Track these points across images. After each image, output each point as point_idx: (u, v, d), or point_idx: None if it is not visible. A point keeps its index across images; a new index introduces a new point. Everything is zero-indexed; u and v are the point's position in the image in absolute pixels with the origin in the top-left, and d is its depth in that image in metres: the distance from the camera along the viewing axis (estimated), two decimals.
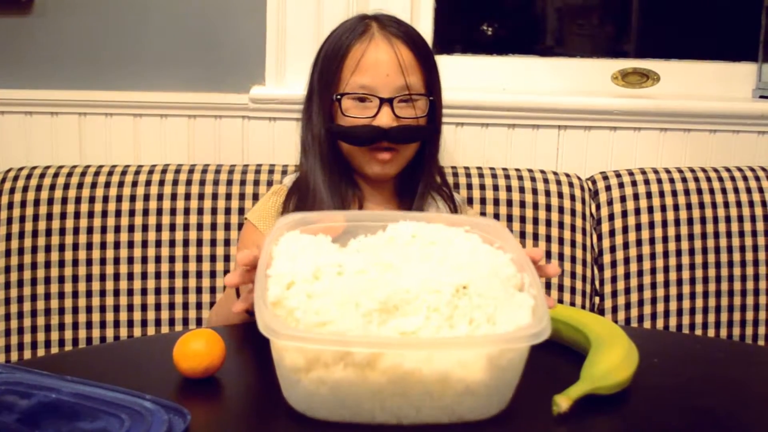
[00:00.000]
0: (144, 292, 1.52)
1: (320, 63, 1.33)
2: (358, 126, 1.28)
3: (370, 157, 1.30)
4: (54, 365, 0.90)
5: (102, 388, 0.81)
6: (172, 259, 1.53)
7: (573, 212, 1.60)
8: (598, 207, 1.62)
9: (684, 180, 1.63)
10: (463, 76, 1.83)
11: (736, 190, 1.63)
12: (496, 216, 1.58)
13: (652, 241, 1.59)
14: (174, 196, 1.54)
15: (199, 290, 1.53)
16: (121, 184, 1.55)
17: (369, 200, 1.36)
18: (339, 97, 1.29)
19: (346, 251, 0.87)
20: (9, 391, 0.80)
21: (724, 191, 1.63)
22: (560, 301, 1.57)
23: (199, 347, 0.87)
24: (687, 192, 1.62)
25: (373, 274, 0.81)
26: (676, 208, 1.61)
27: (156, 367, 0.93)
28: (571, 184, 1.62)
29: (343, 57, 1.29)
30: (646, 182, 1.62)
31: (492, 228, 0.92)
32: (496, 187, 1.59)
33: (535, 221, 1.58)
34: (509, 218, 1.58)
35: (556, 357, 0.97)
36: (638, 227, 1.60)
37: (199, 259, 1.53)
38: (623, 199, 1.61)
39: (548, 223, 1.59)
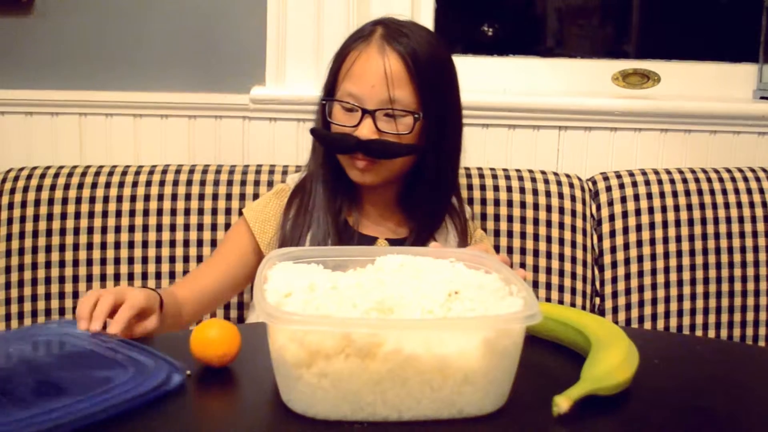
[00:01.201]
0: None
1: (330, 64, 1.33)
2: (336, 133, 1.28)
3: (348, 163, 1.29)
4: None
5: (134, 348, 0.91)
6: (172, 260, 1.53)
7: (573, 213, 1.60)
8: (598, 208, 1.62)
9: (684, 181, 1.63)
10: (464, 76, 1.81)
11: (736, 191, 1.63)
12: (497, 216, 1.58)
13: (652, 241, 1.59)
14: (174, 197, 1.54)
15: None
16: (121, 185, 1.55)
17: (367, 209, 1.35)
18: (325, 101, 1.29)
19: (339, 273, 0.91)
20: (57, 340, 0.95)
21: (724, 192, 1.63)
22: (560, 301, 1.57)
23: (215, 335, 0.90)
24: (687, 193, 1.62)
25: (367, 286, 0.84)
26: (676, 208, 1.61)
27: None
28: (571, 185, 1.62)
29: (340, 61, 1.29)
30: (647, 183, 1.62)
31: (478, 257, 0.96)
32: (496, 188, 1.59)
33: (536, 222, 1.58)
34: (509, 219, 1.58)
35: (556, 358, 0.98)
36: (638, 228, 1.60)
37: (199, 259, 1.53)
38: (624, 199, 1.61)
39: (548, 223, 1.58)
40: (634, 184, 1.62)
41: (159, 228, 1.53)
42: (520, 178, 1.61)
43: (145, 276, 1.52)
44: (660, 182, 1.63)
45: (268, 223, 1.35)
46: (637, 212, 1.60)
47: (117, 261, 1.52)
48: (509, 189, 1.59)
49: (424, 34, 1.30)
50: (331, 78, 1.31)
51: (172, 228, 1.53)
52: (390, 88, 1.23)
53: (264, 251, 1.32)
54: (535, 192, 1.59)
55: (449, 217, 1.38)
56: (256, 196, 1.53)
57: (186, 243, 1.53)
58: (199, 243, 1.53)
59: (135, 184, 1.55)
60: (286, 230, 1.32)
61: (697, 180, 1.64)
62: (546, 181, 1.61)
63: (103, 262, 1.52)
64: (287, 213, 1.34)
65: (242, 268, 1.34)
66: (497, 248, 1.56)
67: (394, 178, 1.32)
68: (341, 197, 1.33)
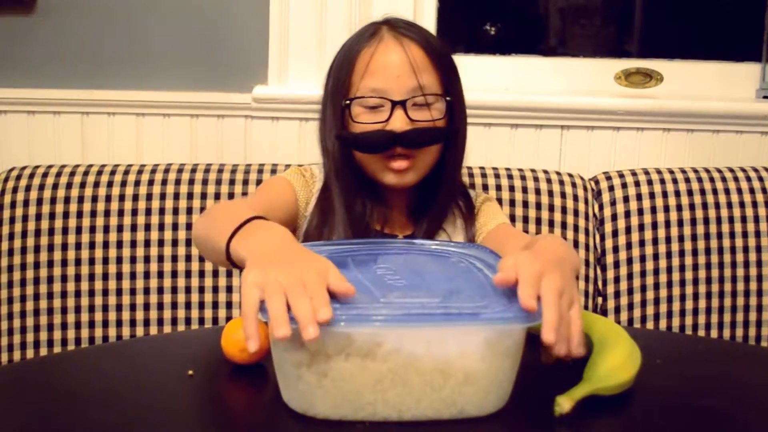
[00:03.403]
0: (146, 291, 1.52)
1: (332, 72, 1.27)
2: (369, 132, 1.19)
3: (384, 166, 1.21)
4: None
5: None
6: (174, 259, 1.53)
7: (576, 212, 1.59)
8: (600, 207, 1.62)
9: (687, 180, 1.63)
10: (466, 76, 1.81)
11: (739, 191, 1.63)
12: None
13: (655, 241, 1.59)
14: (176, 196, 1.54)
15: (201, 289, 1.53)
16: (123, 184, 1.55)
17: (392, 214, 1.28)
18: (348, 102, 1.21)
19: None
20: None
21: (727, 192, 1.63)
22: None
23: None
24: (690, 192, 1.62)
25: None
26: (679, 208, 1.60)
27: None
28: (574, 185, 1.61)
29: (352, 62, 1.23)
30: (649, 182, 1.62)
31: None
32: (498, 187, 1.59)
33: (538, 221, 1.58)
34: (512, 218, 1.58)
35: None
36: (641, 227, 1.59)
37: (201, 258, 1.53)
38: (626, 199, 1.60)
39: (551, 223, 1.58)
40: (637, 184, 1.62)
41: (161, 227, 1.53)
42: (523, 178, 1.61)
43: (147, 275, 1.52)
44: (663, 182, 1.62)
45: (305, 190, 1.28)
46: (640, 212, 1.60)
47: (119, 260, 1.52)
48: (512, 188, 1.59)
49: (420, 26, 1.29)
50: (342, 83, 1.23)
51: (174, 227, 1.53)
52: (417, 74, 1.19)
53: (300, 216, 1.27)
54: (537, 191, 1.59)
55: (454, 203, 1.31)
56: None
57: (188, 242, 1.53)
58: None
59: (137, 183, 1.55)
60: (311, 228, 1.25)
61: (699, 179, 1.63)
62: (548, 181, 1.61)
63: (105, 261, 1.52)
64: (312, 211, 1.27)
65: (283, 213, 1.23)
66: None
67: (427, 173, 1.25)
68: (363, 200, 1.25)
